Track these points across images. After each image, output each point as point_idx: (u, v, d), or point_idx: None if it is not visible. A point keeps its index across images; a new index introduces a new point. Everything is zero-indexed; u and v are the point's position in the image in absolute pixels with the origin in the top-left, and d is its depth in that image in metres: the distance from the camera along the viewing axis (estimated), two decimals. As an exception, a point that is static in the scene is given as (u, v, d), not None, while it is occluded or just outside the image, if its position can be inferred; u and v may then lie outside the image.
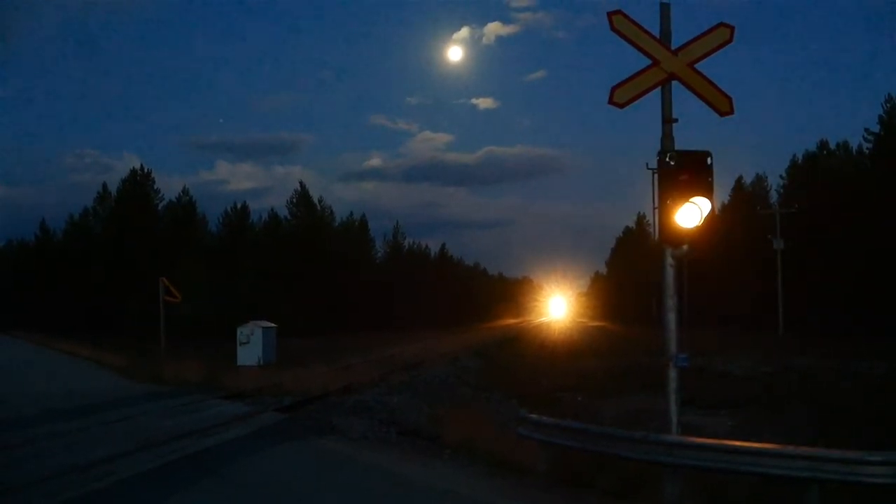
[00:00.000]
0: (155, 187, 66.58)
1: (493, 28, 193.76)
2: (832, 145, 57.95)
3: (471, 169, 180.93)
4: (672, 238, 7.74)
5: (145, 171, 66.21)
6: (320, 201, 76.55)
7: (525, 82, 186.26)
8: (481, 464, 10.10)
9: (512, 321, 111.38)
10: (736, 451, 7.42)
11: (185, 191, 68.82)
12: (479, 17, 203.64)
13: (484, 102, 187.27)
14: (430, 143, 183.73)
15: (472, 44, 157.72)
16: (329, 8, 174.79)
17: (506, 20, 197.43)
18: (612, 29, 8.00)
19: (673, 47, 8.03)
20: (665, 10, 8.11)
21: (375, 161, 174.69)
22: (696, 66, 8.02)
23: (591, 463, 8.85)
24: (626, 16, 8.04)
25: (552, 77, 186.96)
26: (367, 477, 9.79)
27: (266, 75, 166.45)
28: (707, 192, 7.64)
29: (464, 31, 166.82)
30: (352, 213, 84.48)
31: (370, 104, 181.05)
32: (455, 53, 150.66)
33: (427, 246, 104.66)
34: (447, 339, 46.94)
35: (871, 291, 43.13)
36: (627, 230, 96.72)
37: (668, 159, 7.71)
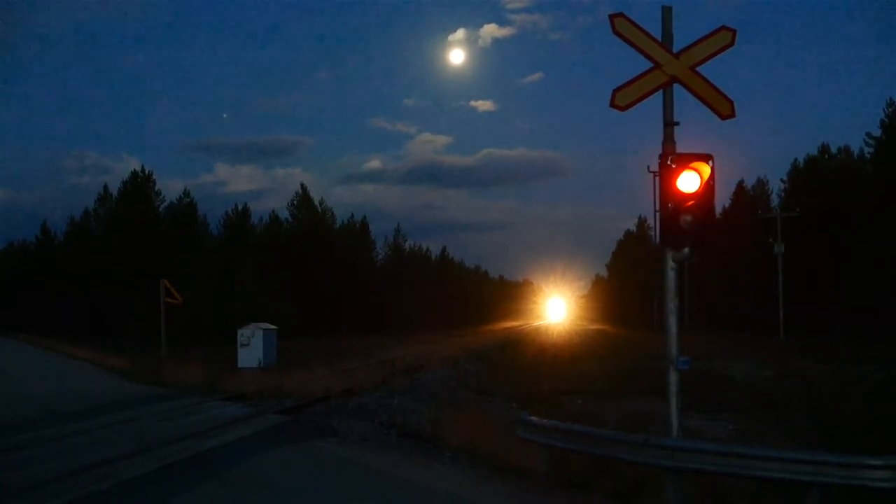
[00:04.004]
0: (156, 189, 66.72)
1: (489, 30, 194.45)
2: (833, 149, 58.18)
3: (470, 171, 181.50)
4: (673, 241, 7.74)
5: (146, 172, 66.36)
6: (321, 203, 76.71)
7: (523, 84, 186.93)
8: (482, 466, 10.09)
9: (513, 324, 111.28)
10: (737, 454, 7.41)
11: (185, 192, 69.07)
12: (474, 19, 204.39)
13: (483, 105, 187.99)
14: (430, 145, 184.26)
15: (469, 46, 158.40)
16: (326, 10, 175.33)
17: (501, 22, 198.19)
18: (614, 31, 8.00)
19: (675, 50, 8.04)
20: (667, 13, 8.12)
21: (375, 163, 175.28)
22: (697, 69, 8.03)
23: (592, 466, 8.84)
24: (627, 18, 8.04)
25: (550, 79, 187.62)
26: (368, 479, 9.78)
27: (265, 78, 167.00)
28: (708, 195, 7.65)
29: (460, 33, 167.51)
30: (353, 216, 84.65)
31: (369, 106, 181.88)
32: (452, 55, 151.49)
33: (428, 248, 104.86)
34: (448, 342, 46.88)
35: (872, 295, 43.12)
36: (628, 233, 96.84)
37: (669, 162, 7.71)
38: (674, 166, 7.65)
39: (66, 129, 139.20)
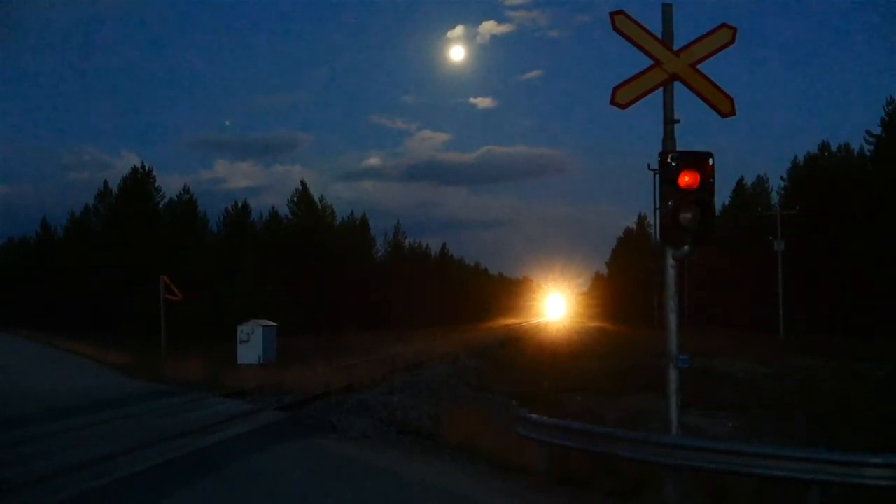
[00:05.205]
0: (156, 185, 66.64)
1: (488, 27, 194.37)
2: (833, 147, 58.08)
3: (470, 168, 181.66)
4: (673, 239, 7.74)
5: (146, 168, 66.23)
6: (321, 200, 76.62)
7: (522, 82, 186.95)
8: (482, 464, 10.10)
9: (512, 321, 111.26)
10: (737, 452, 7.42)
11: (185, 189, 68.89)
12: (473, 16, 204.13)
13: (482, 102, 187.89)
14: (429, 142, 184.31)
15: (468, 42, 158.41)
16: (325, 7, 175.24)
17: (500, 19, 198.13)
18: (615, 29, 8.00)
19: (675, 48, 8.03)
20: (667, 11, 8.11)
21: (374, 160, 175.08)
22: (698, 66, 8.02)
23: (592, 464, 8.85)
24: (628, 16, 8.03)
25: (549, 76, 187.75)
26: (368, 476, 9.79)
27: (264, 74, 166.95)
28: (708, 193, 7.65)
29: (459, 30, 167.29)
30: (352, 212, 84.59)
31: (368, 103, 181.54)
32: (452, 52, 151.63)
33: (427, 245, 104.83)
34: (448, 339, 46.91)
35: (871, 293, 43.11)
36: (628, 230, 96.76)
37: (669, 160, 7.71)
38: (674, 164, 7.65)
39: (66, 125, 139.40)
